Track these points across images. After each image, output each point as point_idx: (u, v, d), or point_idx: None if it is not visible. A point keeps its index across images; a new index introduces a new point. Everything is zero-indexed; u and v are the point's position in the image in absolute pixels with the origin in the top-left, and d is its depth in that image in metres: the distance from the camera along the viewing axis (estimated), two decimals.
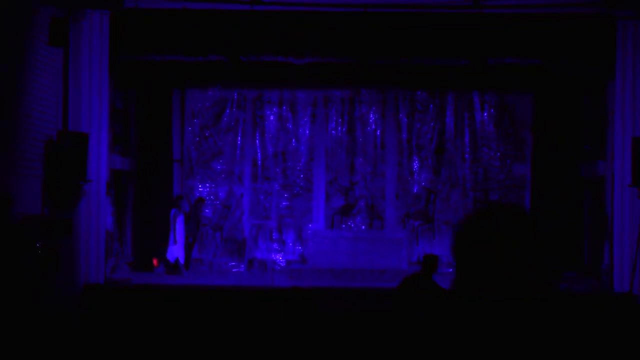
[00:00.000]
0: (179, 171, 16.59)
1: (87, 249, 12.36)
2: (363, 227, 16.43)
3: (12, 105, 10.97)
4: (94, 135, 12.39)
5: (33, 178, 11.51)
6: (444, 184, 16.53)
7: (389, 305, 9.05)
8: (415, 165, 16.57)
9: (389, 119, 16.64)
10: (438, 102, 16.56)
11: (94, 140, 12.36)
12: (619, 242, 12.32)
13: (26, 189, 11.25)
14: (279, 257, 16.37)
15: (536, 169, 16.11)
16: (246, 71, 14.92)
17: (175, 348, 9.38)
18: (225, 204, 16.59)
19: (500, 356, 2.13)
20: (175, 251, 14.53)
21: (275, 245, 16.37)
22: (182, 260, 14.53)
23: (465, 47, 13.13)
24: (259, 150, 16.66)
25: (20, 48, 11.06)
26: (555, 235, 14.77)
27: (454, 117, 16.52)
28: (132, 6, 12.26)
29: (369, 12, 12.62)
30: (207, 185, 16.61)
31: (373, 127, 16.67)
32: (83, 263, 12.24)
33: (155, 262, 15.40)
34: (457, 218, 16.41)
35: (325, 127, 16.66)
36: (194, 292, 12.17)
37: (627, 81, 12.27)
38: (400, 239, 14.73)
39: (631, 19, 12.15)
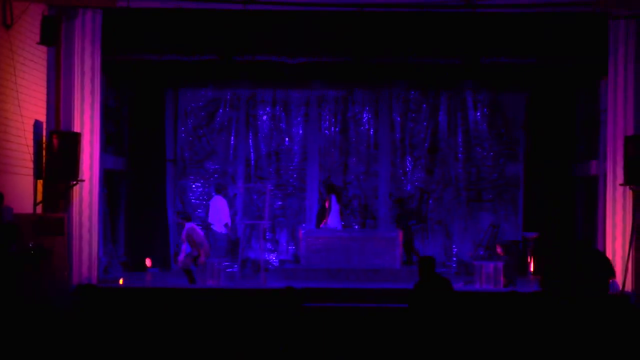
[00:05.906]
0: (172, 171, 16.56)
1: (80, 249, 12.32)
2: (356, 227, 16.42)
3: (2, 104, 10.94)
4: (86, 134, 12.37)
5: (24, 177, 11.48)
6: (437, 183, 16.54)
7: (387, 305, 9.06)
8: (409, 164, 16.58)
9: (383, 119, 16.64)
10: (431, 102, 16.57)
11: (86, 139, 12.34)
12: (611, 242, 12.31)
13: (17, 188, 11.22)
14: (273, 257, 16.36)
15: (529, 168, 16.13)
16: (239, 71, 14.91)
17: (167, 348, 9.37)
18: None
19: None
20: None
21: (268, 245, 16.35)
22: None
23: (458, 47, 13.14)
24: (252, 150, 16.65)
25: (11, 47, 11.02)
26: (548, 234, 14.79)
27: (447, 116, 16.54)
28: (125, 5, 12.24)
29: (363, 12, 12.62)
30: (200, 185, 16.58)
31: (366, 126, 16.67)
32: (76, 263, 12.20)
33: (149, 262, 15.36)
34: (450, 217, 16.43)
35: (319, 126, 16.66)
36: (186, 292, 12.13)
37: (618, 80, 12.27)
38: (393, 238, 14.70)
39: (623, 17, 12.17)
